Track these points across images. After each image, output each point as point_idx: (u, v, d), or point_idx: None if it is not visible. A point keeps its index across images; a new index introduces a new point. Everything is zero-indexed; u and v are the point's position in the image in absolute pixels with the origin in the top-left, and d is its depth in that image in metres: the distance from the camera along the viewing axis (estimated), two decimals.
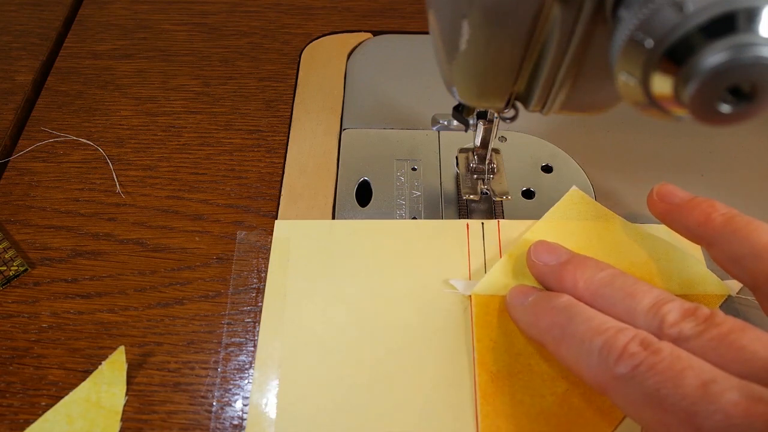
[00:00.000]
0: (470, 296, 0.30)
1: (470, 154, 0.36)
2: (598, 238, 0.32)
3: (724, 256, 0.26)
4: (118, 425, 0.28)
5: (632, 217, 0.33)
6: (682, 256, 0.31)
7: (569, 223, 0.33)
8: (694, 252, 0.32)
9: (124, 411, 0.28)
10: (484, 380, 0.28)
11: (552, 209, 0.33)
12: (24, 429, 0.28)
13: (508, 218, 0.35)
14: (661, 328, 0.22)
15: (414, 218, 0.36)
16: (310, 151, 0.39)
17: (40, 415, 0.28)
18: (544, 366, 0.28)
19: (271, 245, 0.33)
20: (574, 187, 0.34)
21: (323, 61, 0.44)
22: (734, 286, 0.30)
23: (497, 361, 0.28)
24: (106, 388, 0.28)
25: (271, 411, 0.28)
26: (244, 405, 0.29)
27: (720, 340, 0.21)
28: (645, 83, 0.17)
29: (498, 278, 0.31)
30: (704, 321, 0.22)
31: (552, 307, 0.25)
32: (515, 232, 0.33)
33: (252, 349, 0.30)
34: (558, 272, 0.27)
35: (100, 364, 0.29)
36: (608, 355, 0.21)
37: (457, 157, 0.38)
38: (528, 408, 0.27)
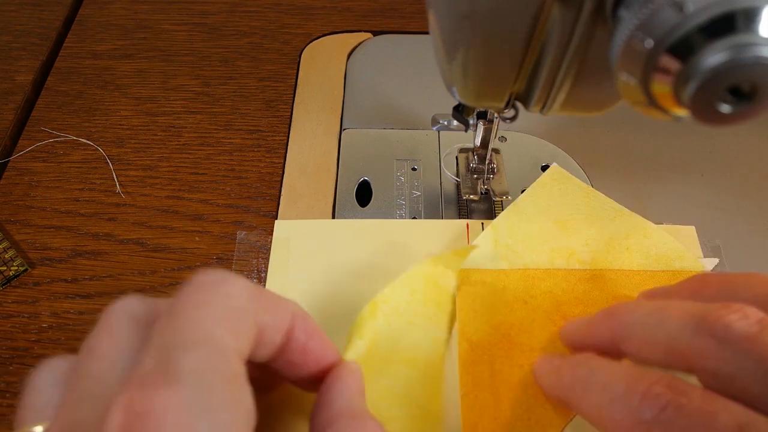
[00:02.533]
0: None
1: (470, 154, 0.36)
2: (579, 213, 0.33)
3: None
4: (450, 304, 0.30)
5: None
6: (659, 234, 0.32)
7: (551, 200, 0.33)
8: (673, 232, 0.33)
9: None
10: (464, 349, 0.28)
11: (533, 185, 0.34)
12: None
13: None
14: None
15: (414, 218, 0.35)
16: (310, 151, 0.39)
17: None
18: (524, 337, 0.28)
19: (271, 245, 0.33)
20: (554, 164, 0.35)
21: (323, 61, 0.44)
22: (709, 264, 0.31)
23: (477, 331, 0.29)
24: (442, 269, 0.30)
25: None
26: None
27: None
28: (645, 83, 0.17)
29: (480, 250, 0.31)
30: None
31: (575, 363, 0.24)
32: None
33: None
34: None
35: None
36: (631, 398, 0.19)
37: (457, 157, 0.38)
38: (506, 377, 0.27)
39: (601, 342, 0.24)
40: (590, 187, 0.34)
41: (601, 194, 0.33)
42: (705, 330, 0.19)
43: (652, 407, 0.19)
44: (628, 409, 0.19)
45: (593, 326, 0.25)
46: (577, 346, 0.26)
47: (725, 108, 0.16)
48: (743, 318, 0.19)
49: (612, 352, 0.23)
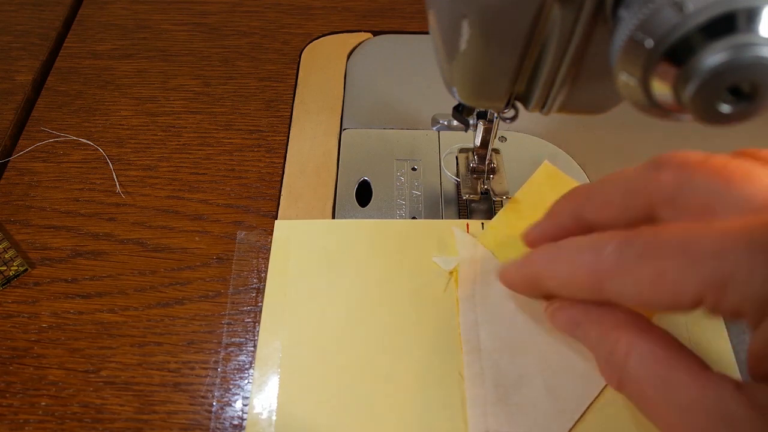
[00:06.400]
0: (452, 272, 0.31)
1: (470, 154, 0.36)
2: None
3: None
4: None
5: None
6: None
7: (544, 197, 0.33)
8: None
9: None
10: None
11: (526, 184, 0.34)
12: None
13: None
14: None
15: (414, 218, 0.36)
16: (310, 151, 0.39)
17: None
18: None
19: (271, 245, 0.33)
20: (546, 161, 0.35)
21: (323, 61, 0.44)
22: None
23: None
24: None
25: (271, 411, 0.28)
26: (244, 405, 0.29)
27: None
28: (645, 83, 0.17)
29: (477, 250, 0.32)
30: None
31: (542, 247, 0.25)
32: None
33: (252, 349, 0.30)
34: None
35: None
36: (598, 247, 0.21)
37: (457, 157, 0.38)
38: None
39: (564, 218, 0.25)
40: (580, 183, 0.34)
41: None
42: (658, 166, 0.21)
43: (614, 244, 0.20)
44: (597, 258, 0.20)
45: (557, 206, 0.26)
46: (544, 233, 0.27)
47: (725, 108, 0.16)
48: (692, 153, 0.21)
49: (578, 227, 0.24)
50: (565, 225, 0.25)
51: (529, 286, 0.26)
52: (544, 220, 0.26)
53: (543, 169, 0.34)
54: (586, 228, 0.24)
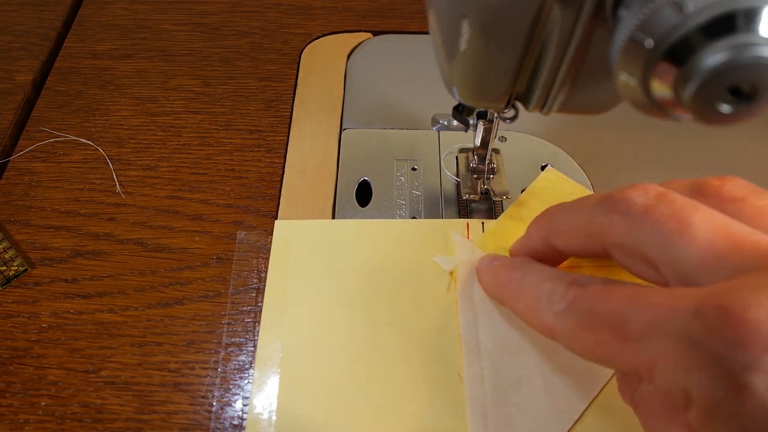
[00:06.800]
0: (452, 272, 0.31)
1: (470, 154, 0.36)
2: None
3: None
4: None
5: None
6: None
7: (547, 203, 0.33)
8: None
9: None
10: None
11: (528, 188, 0.34)
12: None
13: None
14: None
15: (414, 218, 0.36)
16: (310, 151, 0.39)
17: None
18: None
19: (271, 245, 0.33)
20: (549, 167, 0.35)
21: (323, 61, 0.44)
22: None
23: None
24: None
25: (271, 411, 0.28)
26: (244, 405, 0.29)
27: None
28: (645, 83, 0.17)
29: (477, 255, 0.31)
30: None
31: (511, 265, 0.27)
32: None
33: (252, 349, 0.30)
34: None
35: None
36: (552, 296, 0.22)
37: (457, 157, 0.38)
38: None
39: (537, 243, 0.27)
40: (585, 188, 0.34)
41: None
42: (611, 208, 0.22)
43: (565, 299, 0.22)
44: (549, 307, 0.22)
45: (529, 230, 0.28)
46: (520, 252, 0.29)
47: (725, 108, 0.16)
48: (644, 194, 0.21)
49: (548, 251, 0.26)
50: (538, 249, 0.27)
51: (494, 298, 0.29)
52: (521, 240, 0.28)
53: (546, 173, 0.34)
54: (556, 253, 0.26)
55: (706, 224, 0.19)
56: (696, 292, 0.17)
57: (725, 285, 0.17)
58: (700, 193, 0.22)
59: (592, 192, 0.34)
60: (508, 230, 0.32)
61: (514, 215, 0.33)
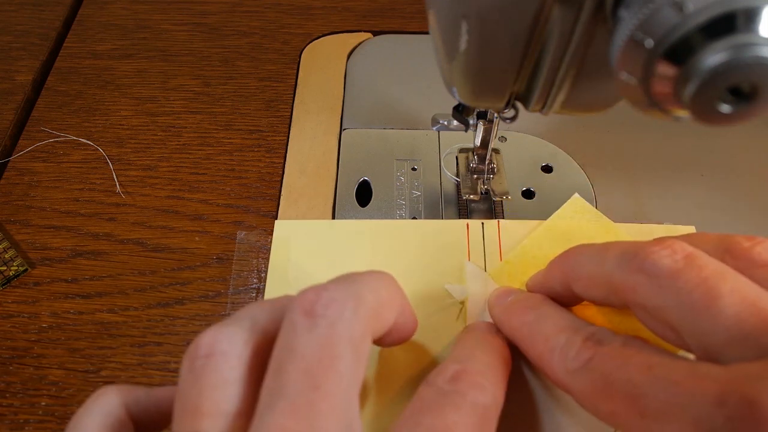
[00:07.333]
0: (463, 302, 0.30)
1: (470, 154, 0.36)
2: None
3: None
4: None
5: (632, 217, 0.33)
6: None
7: (568, 232, 0.32)
8: None
9: None
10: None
11: (553, 216, 0.33)
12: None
13: (508, 218, 0.35)
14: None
15: (414, 218, 0.35)
16: (310, 151, 0.39)
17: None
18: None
19: (271, 245, 0.33)
20: (576, 195, 0.34)
21: (323, 61, 0.44)
22: None
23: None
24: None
25: None
26: None
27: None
28: (645, 83, 0.17)
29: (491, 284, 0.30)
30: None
31: (525, 305, 0.25)
32: (515, 232, 0.33)
33: None
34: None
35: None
36: (568, 351, 0.21)
37: (457, 157, 0.38)
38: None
39: (555, 285, 0.26)
40: (611, 221, 0.32)
41: (622, 227, 0.32)
42: (635, 266, 0.20)
43: (580, 358, 0.21)
44: (563, 361, 0.21)
45: (549, 270, 0.26)
46: (537, 290, 0.27)
47: (725, 108, 0.16)
48: (671, 254, 0.20)
49: (566, 294, 0.25)
50: (555, 290, 0.26)
51: (506, 336, 0.27)
52: (539, 277, 0.27)
53: (572, 202, 0.33)
54: (574, 297, 0.25)
55: (736, 297, 0.18)
56: (720, 374, 0.17)
57: (752, 369, 0.16)
58: (728, 252, 0.21)
59: (615, 226, 0.32)
60: (526, 262, 0.31)
61: (533, 246, 0.31)
